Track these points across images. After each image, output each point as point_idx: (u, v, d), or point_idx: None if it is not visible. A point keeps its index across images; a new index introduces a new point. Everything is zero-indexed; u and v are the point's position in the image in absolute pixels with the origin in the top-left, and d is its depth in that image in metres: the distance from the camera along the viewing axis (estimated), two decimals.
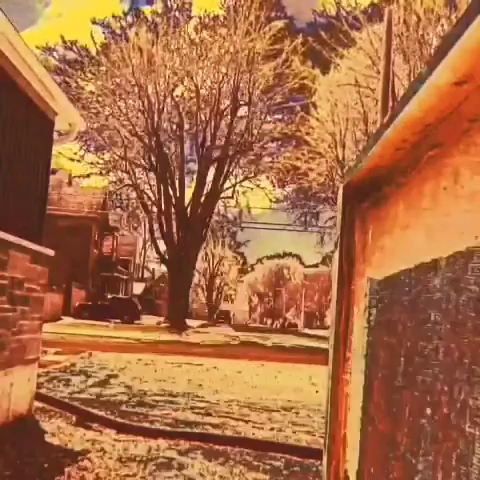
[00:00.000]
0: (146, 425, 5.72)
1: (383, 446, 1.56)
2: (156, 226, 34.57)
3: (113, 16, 34.91)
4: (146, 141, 32.50)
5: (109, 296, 37.99)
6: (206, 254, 65.93)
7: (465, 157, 1.02)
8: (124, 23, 34.45)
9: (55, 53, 34.13)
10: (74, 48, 34.41)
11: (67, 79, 32.80)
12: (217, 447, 5.11)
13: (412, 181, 1.32)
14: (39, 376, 6.68)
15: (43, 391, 6.77)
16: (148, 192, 34.70)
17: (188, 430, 5.69)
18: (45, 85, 5.78)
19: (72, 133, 6.77)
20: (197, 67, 33.30)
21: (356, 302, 1.93)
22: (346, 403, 1.92)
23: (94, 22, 35.30)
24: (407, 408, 1.39)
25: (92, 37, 34.44)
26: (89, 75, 32.70)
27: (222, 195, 35.80)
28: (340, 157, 25.79)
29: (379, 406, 1.65)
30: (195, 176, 35.16)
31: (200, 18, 35.21)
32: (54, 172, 33.57)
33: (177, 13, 34.58)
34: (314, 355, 16.99)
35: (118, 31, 34.18)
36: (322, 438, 2.27)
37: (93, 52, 34.12)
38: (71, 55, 34.60)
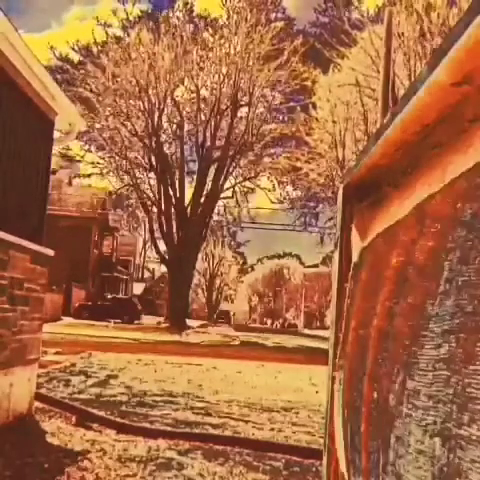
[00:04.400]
0: (146, 425, 5.73)
1: (351, 438, 1.56)
2: (156, 226, 34.56)
3: (114, 15, 34.89)
4: (146, 141, 32.51)
5: (109, 296, 37.97)
6: (206, 254, 65.90)
7: (460, 156, 1.02)
8: (126, 23, 34.45)
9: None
10: (75, 47, 34.53)
11: (68, 78, 32.84)
12: (217, 447, 5.11)
13: (411, 181, 1.32)
14: (39, 376, 6.68)
15: (43, 391, 6.77)
16: (148, 192, 34.70)
17: (188, 430, 5.69)
18: (45, 85, 5.78)
19: (72, 133, 6.77)
20: (198, 68, 33.31)
21: None
22: (332, 401, 1.93)
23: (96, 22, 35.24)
24: (364, 397, 1.40)
25: (93, 37, 34.41)
26: (90, 75, 32.67)
27: (222, 195, 35.83)
28: (340, 157, 25.78)
29: (347, 398, 1.65)
30: (195, 176, 35.19)
31: (201, 18, 35.27)
32: (54, 172, 33.55)
33: (178, 13, 34.64)
34: (314, 355, 16.99)
35: (120, 31, 34.22)
36: (322, 438, 2.28)
37: (94, 51, 34.18)
38: (73, 55, 34.71)
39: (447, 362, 0.88)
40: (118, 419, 5.79)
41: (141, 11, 36.16)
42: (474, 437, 0.78)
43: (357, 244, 1.87)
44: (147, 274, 68.92)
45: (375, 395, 1.24)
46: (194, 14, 35.47)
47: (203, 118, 34.04)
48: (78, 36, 48.99)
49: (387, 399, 1.14)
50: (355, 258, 1.80)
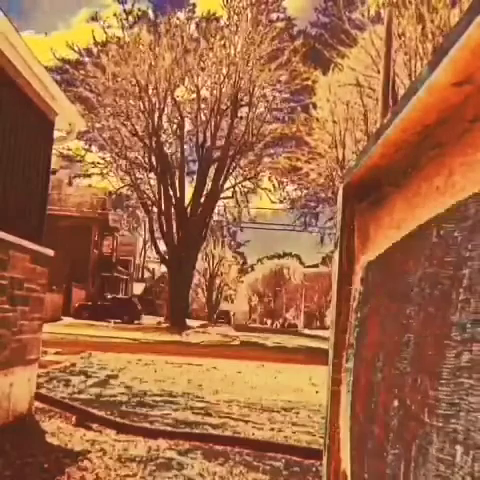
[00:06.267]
0: (146, 425, 5.73)
1: (363, 443, 1.56)
2: (156, 226, 34.57)
3: (114, 15, 34.92)
4: (146, 141, 32.51)
5: (109, 296, 37.95)
6: (206, 254, 65.86)
7: (462, 157, 1.02)
8: (127, 23, 34.48)
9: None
10: (75, 47, 34.53)
11: (68, 78, 32.87)
12: (217, 447, 5.11)
13: (412, 181, 1.32)
14: (39, 376, 6.67)
15: (43, 391, 6.77)
16: (148, 192, 34.71)
17: (188, 430, 5.69)
18: (45, 85, 5.78)
19: (72, 133, 6.77)
20: (198, 68, 33.32)
21: None
22: (338, 402, 1.93)
23: (93, 20, 35.31)
24: (381, 402, 1.40)
25: (93, 36, 34.41)
26: (90, 74, 32.65)
27: (222, 195, 35.83)
28: (340, 157, 25.78)
29: (361, 402, 1.65)
30: (195, 176, 35.20)
31: (202, 19, 35.29)
32: (54, 172, 33.51)
33: (179, 13, 34.67)
34: (314, 355, 16.99)
35: (120, 31, 34.21)
36: (322, 438, 2.28)
37: (94, 51, 34.23)
38: (73, 55, 34.71)
39: (469, 370, 0.88)
40: (118, 419, 5.79)
41: (141, 11, 36.22)
42: None
43: (358, 244, 1.87)
44: (147, 274, 68.90)
45: (396, 403, 1.24)
46: (195, 14, 35.55)
47: (203, 118, 34.07)
48: (85, 38, 48.96)
49: (409, 408, 1.13)
50: (363, 262, 1.79)
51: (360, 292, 1.81)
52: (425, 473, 1.00)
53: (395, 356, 1.31)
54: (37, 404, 6.04)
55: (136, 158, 34.45)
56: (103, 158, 35.73)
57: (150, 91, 31.84)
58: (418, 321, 1.15)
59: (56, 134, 6.60)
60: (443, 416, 0.95)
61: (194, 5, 35.75)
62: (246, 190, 37.91)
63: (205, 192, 33.91)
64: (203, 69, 33.67)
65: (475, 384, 0.86)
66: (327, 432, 1.99)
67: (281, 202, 38.16)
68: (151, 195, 34.51)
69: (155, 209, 34.30)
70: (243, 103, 34.12)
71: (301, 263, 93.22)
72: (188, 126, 35.39)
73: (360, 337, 1.74)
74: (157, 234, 35.24)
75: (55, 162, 28.75)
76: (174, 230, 33.56)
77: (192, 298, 63.07)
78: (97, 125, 32.55)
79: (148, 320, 36.66)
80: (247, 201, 38.44)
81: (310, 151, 29.75)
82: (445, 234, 1.06)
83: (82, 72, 33.14)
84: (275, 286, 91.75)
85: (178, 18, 33.99)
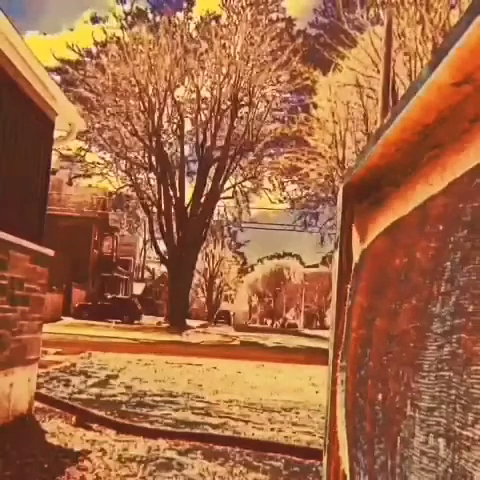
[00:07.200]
0: (146, 425, 5.73)
1: (357, 441, 1.56)
2: (156, 226, 34.59)
3: (115, 16, 35.00)
4: (146, 141, 32.53)
5: (109, 296, 37.96)
6: (206, 254, 65.90)
7: (459, 156, 1.02)
8: (125, 23, 34.52)
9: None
10: (75, 48, 34.54)
11: (68, 78, 32.89)
12: (217, 447, 5.11)
13: (411, 181, 1.32)
14: (39, 376, 6.67)
15: (43, 391, 6.77)
16: (148, 192, 34.72)
17: (188, 430, 5.69)
18: (45, 85, 5.78)
19: (72, 133, 6.77)
20: (198, 67, 33.34)
21: None
22: (334, 401, 1.93)
23: (95, 21, 35.34)
24: (368, 398, 1.40)
25: (93, 37, 34.46)
26: (90, 74, 32.66)
27: (222, 195, 35.85)
28: (340, 157, 25.79)
29: (352, 399, 1.65)
30: (195, 176, 35.24)
31: (202, 18, 35.32)
32: (54, 172, 33.53)
33: (178, 13, 34.71)
34: (314, 355, 16.99)
35: (119, 31, 34.23)
36: (322, 438, 2.28)
37: (94, 52, 34.28)
38: (73, 55, 34.72)
39: (449, 363, 0.89)
40: (118, 419, 5.79)
41: (141, 11, 36.25)
42: (477, 437, 0.78)
43: (357, 244, 1.87)
44: (147, 274, 68.91)
45: (380, 397, 1.24)
46: (194, 14, 35.58)
47: (203, 118, 34.11)
48: (87, 39, 49.12)
49: (392, 401, 1.14)
50: (356, 259, 1.80)
51: (351, 288, 1.81)
52: (410, 467, 1.00)
53: (380, 350, 1.31)
54: (37, 404, 6.04)
55: (136, 158, 34.49)
56: (103, 158, 35.82)
57: (150, 91, 31.86)
58: (403, 314, 1.15)
59: (56, 134, 6.60)
60: (426, 409, 0.96)
61: (192, 4, 35.62)
62: (246, 190, 37.99)
63: (205, 192, 33.93)
64: (203, 69, 33.70)
65: (454, 376, 0.87)
66: (327, 432, 1.99)
67: (281, 202, 38.22)
68: (151, 195, 34.53)
69: (155, 209, 34.33)
70: (243, 103, 34.14)
71: (301, 263, 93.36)
72: (188, 126, 35.50)
73: (349, 333, 1.75)
74: (157, 234, 35.30)
75: (55, 162, 28.78)
76: (174, 230, 33.57)
77: (192, 298, 63.11)
78: (97, 125, 32.57)
79: (148, 320, 36.66)
80: (247, 201, 38.50)
81: (310, 151, 29.76)
82: (428, 226, 1.07)
83: (82, 72, 33.17)
84: (275, 286, 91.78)
85: (178, 18, 34.07)
